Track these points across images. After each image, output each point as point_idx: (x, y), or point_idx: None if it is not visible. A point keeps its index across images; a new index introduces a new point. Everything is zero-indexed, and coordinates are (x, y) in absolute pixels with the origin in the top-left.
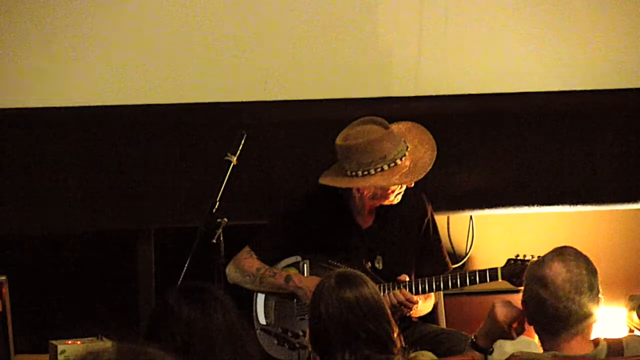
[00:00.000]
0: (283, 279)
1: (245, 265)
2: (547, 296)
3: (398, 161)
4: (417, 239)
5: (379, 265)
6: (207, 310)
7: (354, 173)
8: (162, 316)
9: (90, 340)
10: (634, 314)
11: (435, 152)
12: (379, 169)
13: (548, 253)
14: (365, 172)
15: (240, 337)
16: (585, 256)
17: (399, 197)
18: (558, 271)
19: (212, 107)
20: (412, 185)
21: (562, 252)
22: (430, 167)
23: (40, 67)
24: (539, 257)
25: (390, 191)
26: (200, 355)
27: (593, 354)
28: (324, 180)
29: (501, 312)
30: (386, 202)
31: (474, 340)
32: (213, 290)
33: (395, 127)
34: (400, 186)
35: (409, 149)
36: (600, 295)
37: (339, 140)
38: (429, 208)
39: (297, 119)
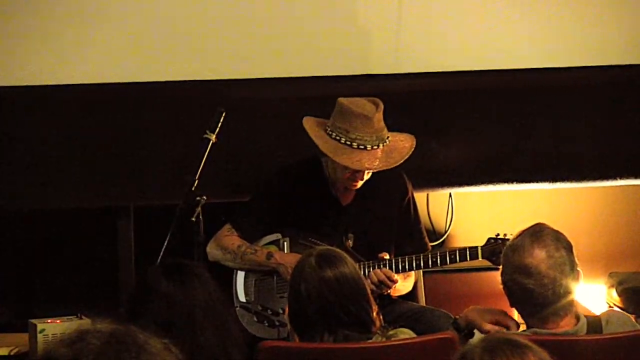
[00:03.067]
0: (264, 256)
1: (226, 243)
2: (534, 285)
3: (368, 146)
4: (396, 218)
5: (350, 243)
6: (186, 287)
7: (329, 129)
8: (142, 293)
9: (69, 319)
10: (614, 291)
11: (402, 160)
12: (345, 141)
13: (523, 235)
14: (337, 136)
15: (220, 314)
16: (559, 233)
17: (359, 183)
18: (540, 258)
19: (193, 84)
20: (369, 174)
21: (540, 236)
22: (388, 167)
23: (21, 45)
24: (511, 235)
25: (348, 173)
26: (181, 331)
27: (574, 331)
28: (307, 121)
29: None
30: (348, 183)
31: (457, 319)
32: (193, 266)
33: (395, 135)
34: (366, 172)
35: (382, 145)
36: (578, 269)
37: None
38: (410, 187)
39: (278, 97)
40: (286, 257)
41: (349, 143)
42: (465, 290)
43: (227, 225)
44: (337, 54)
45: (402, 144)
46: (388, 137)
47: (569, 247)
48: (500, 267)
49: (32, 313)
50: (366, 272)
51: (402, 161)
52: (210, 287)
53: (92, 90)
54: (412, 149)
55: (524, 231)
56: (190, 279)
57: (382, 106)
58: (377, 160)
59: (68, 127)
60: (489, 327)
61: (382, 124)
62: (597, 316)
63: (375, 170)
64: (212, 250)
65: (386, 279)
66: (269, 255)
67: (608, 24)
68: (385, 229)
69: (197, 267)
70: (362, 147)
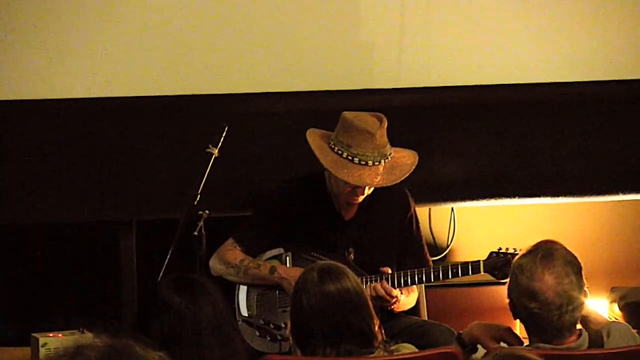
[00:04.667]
0: (267, 270)
1: (229, 257)
2: (539, 310)
3: (369, 162)
4: (398, 234)
5: (351, 257)
6: (197, 302)
7: (332, 143)
8: (152, 305)
9: (71, 333)
10: (615, 306)
11: (403, 177)
12: (346, 156)
13: (533, 256)
14: (339, 151)
15: (227, 331)
16: (570, 255)
17: (360, 198)
18: (549, 285)
19: (194, 99)
20: (369, 189)
21: (550, 260)
22: (389, 184)
23: (21, 60)
24: (515, 250)
25: (348, 187)
26: (186, 346)
27: (576, 346)
28: (310, 134)
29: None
30: (349, 198)
31: (461, 334)
32: (205, 282)
33: (398, 151)
34: (367, 188)
35: (384, 161)
36: (585, 289)
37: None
38: (412, 203)
39: (279, 111)
40: (290, 271)
41: (350, 158)
42: (468, 304)
43: (230, 240)
44: (340, 69)
45: (404, 161)
46: (390, 154)
47: (578, 271)
48: (507, 281)
49: (34, 327)
50: (367, 286)
51: (403, 178)
52: (219, 304)
53: (95, 104)
54: (414, 166)
55: (534, 248)
56: (201, 295)
57: (385, 122)
58: (379, 176)
59: (70, 141)
60: (492, 343)
61: (385, 139)
62: (598, 329)
63: (375, 187)
64: (215, 265)
65: (385, 294)
66: (273, 270)
67: (610, 39)
68: (387, 243)
69: (208, 283)
70: (363, 162)
